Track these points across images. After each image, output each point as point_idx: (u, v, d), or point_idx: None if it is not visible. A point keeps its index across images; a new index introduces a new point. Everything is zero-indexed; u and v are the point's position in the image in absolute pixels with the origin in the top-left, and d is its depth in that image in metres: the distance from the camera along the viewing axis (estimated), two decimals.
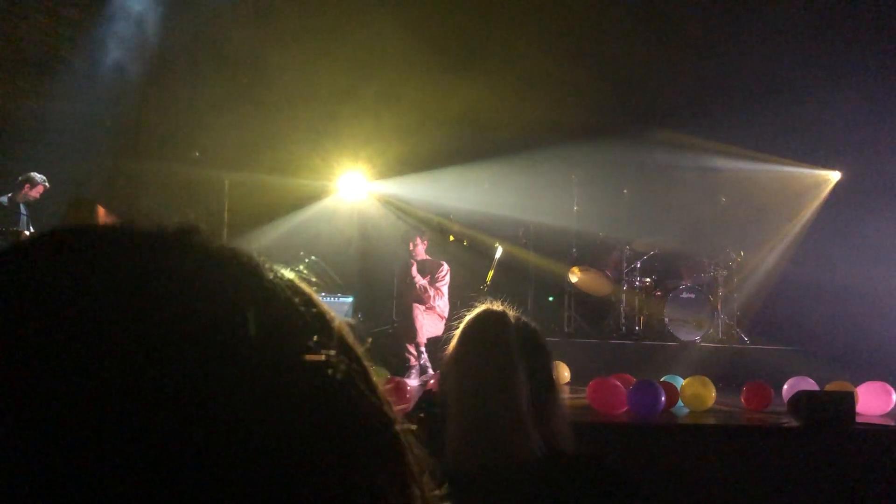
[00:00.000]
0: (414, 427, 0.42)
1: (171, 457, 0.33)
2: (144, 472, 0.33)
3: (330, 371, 0.39)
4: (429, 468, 0.43)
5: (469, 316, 1.87)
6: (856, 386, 5.59)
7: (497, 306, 1.89)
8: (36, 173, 7.56)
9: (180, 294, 0.38)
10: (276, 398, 0.37)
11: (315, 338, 0.39)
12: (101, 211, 7.07)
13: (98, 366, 0.34)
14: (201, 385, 0.35)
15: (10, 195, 7.53)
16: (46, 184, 7.58)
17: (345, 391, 0.39)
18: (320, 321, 0.41)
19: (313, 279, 0.44)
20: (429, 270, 7.50)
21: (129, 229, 0.41)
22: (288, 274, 0.42)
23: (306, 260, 0.48)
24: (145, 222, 0.42)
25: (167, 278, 0.38)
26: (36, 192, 7.51)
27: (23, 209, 7.47)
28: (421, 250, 7.60)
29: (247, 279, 0.41)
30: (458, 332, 1.87)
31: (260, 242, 9.20)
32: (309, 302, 0.42)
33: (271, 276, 0.42)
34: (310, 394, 0.38)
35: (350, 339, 0.42)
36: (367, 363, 0.42)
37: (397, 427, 0.41)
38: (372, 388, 0.41)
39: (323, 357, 0.39)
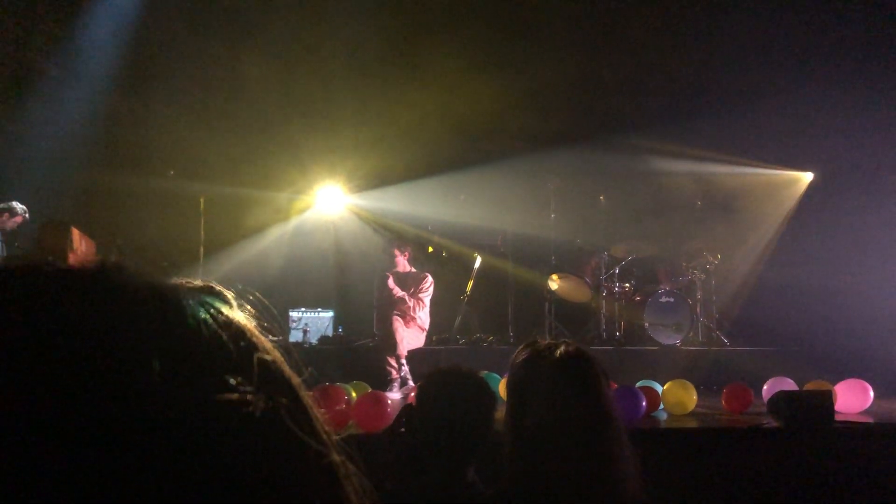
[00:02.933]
0: (344, 461, 0.41)
1: None
2: None
3: (247, 409, 0.38)
4: (371, 496, 0.42)
5: (553, 353, 1.77)
6: (834, 384, 5.65)
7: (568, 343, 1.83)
8: (17, 203, 7.55)
9: (89, 337, 0.37)
10: (189, 439, 0.36)
11: (236, 376, 0.39)
12: (74, 232, 7.01)
13: None
14: (110, 428, 0.34)
15: None
16: (27, 215, 7.59)
17: (264, 428, 0.38)
18: (245, 356, 0.41)
19: (252, 311, 0.43)
20: (412, 283, 7.43)
21: (42, 269, 0.40)
22: (223, 308, 0.42)
23: (250, 297, 0.46)
24: (64, 262, 0.41)
25: (75, 322, 0.37)
26: (13, 223, 7.53)
27: None
28: (402, 262, 7.55)
29: (164, 319, 0.40)
30: (535, 369, 1.77)
31: (236, 258, 9.15)
32: (238, 335, 0.41)
33: (198, 311, 0.41)
34: (226, 433, 0.37)
35: (279, 371, 0.41)
36: (300, 394, 0.42)
37: (332, 458, 0.41)
38: (301, 420, 0.40)
39: (238, 395, 0.38)
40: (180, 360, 0.38)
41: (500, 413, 2.45)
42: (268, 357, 0.41)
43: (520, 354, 1.87)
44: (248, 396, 0.38)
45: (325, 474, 0.40)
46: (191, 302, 0.41)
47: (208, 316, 0.41)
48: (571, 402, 1.72)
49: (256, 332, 0.42)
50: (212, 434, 0.37)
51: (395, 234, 8.90)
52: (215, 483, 0.35)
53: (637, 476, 1.71)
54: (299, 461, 0.39)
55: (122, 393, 0.35)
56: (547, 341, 1.88)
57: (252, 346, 0.42)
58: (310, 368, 0.45)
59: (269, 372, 0.41)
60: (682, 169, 9.64)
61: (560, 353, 1.78)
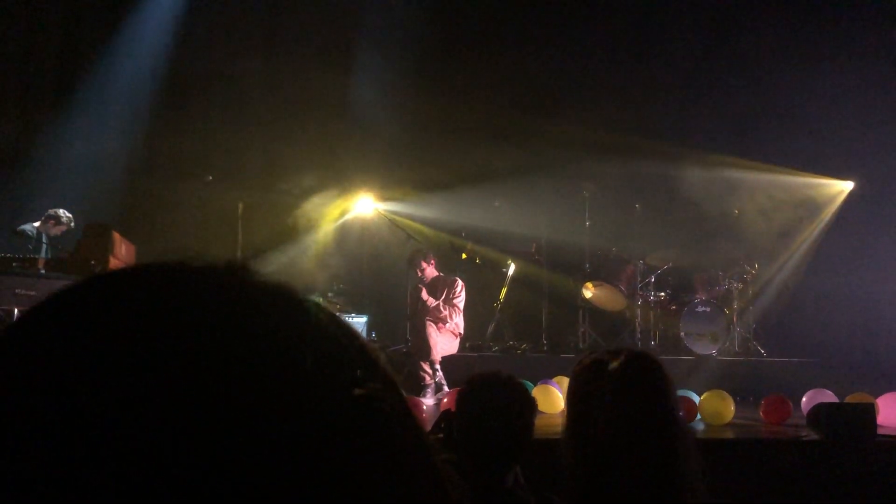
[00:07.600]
0: (450, 457, 0.43)
1: (224, 491, 0.34)
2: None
3: (377, 404, 0.39)
4: (464, 497, 0.43)
5: (617, 362, 1.75)
6: (876, 397, 5.54)
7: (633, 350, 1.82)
8: (64, 212, 7.82)
9: (238, 330, 0.38)
10: (331, 432, 0.37)
11: (360, 371, 0.40)
12: (116, 236, 7.13)
13: (156, 402, 0.35)
14: (261, 421, 0.36)
15: (37, 225, 7.80)
16: (72, 224, 7.88)
17: (392, 423, 0.40)
18: (364, 354, 0.42)
19: (338, 305, 0.44)
20: (442, 287, 7.41)
21: (184, 267, 0.42)
22: (326, 306, 0.43)
23: (335, 287, 0.48)
24: (193, 259, 0.43)
25: (222, 315, 0.39)
26: (59, 230, 7.82)
27: (45, 239, 7.72)
28: (430, 271, 7.53)
29: (297, 315, 0.41)
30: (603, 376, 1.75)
31: (273, 263, 9.24)
32: (351, 335, 0.42)
33: (315, 310, 0.42)
34: (362, 426, 0.38)
35: (390, 371, 0.43)
36: (403, 394, 0.43)
37: (436, 457, 0.42)
38: (412, 418, 0.42)
39: (370, 390, 0.39)
40: (318, 353, 0.39)
41: (538, 419, 2.45)
42: (383, 357, 0.43)
43: (582, 363, 1.85)
44: (379, 392, 0.40)
45: (433, 472, 0.41)
46: (311, 300, 0.43)
47: (323, 314, 0.43)
48: (638, 409, 1.69)
49: (361, 334, 0.44)
50: (352, 427, 0.38)
51: (416, 245, 8.81)
52: (352, 474, 0.37)
53: (701, 484, 1.69)
54: (417, 458, 0.40)
55: (278, 378, 0.37)
56: (610, 349, 1.87)
57: (364, 346, 0.43)
58: (407, 369, 0.46)
59: (385, 371, 0.42)
60: (719, 177, 9.50)
61: (624, 359, 1.76)
